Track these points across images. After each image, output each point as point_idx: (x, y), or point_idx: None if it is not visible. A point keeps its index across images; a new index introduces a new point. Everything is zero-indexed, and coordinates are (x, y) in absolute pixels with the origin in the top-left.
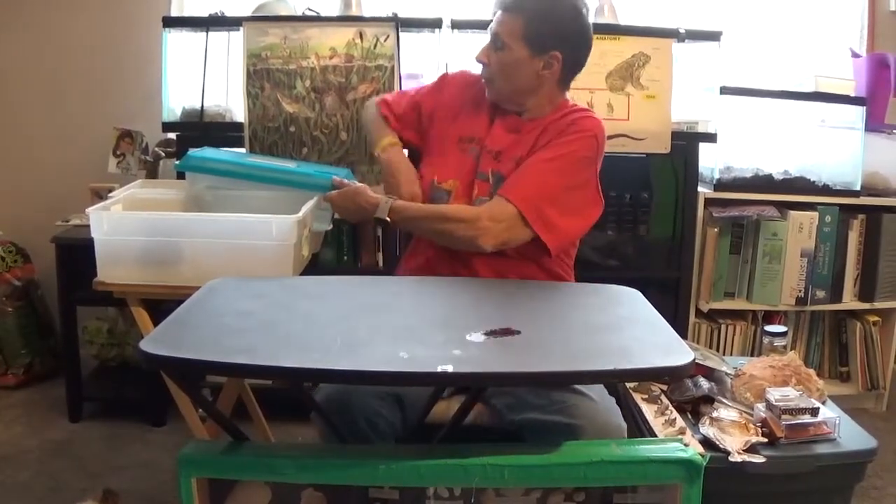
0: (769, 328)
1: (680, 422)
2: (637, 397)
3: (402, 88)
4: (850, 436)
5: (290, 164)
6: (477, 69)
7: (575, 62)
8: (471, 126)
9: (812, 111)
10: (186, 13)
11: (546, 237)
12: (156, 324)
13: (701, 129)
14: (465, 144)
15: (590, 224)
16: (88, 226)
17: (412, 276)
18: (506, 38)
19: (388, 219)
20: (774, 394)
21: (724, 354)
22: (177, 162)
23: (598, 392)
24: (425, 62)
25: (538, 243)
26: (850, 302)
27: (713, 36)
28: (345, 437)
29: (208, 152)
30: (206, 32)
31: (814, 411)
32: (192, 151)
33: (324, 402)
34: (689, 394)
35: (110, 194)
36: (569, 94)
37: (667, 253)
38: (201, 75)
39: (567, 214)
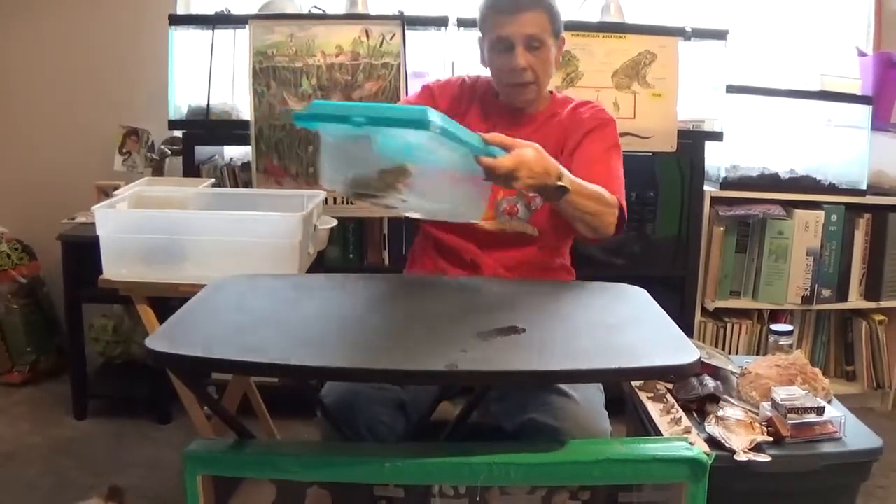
0: (775, 327)
1: (685, 420)
2: (643, 396)
3: (407, 88)
4: (856, 435)
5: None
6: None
7: None
8: None
9: (818, 110)
10: (192, 11)
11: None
12: (161, 321)
13: (707, 127)
14: None
15: None
16: (94, 223)
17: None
18: (542, 36)
19: (569, 188)
20: (780, 393)
21: (729, 353)
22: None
23: (582, 395)
24: (431, 60)
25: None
26: (855, 301)
27: (719, 34)
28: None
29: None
30: (213, 30)
31: (819, 410)
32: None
33: (328, 406)
34: (694, 392)
35: (116, 192)
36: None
37: (673, 251)
38: (207, 73)
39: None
